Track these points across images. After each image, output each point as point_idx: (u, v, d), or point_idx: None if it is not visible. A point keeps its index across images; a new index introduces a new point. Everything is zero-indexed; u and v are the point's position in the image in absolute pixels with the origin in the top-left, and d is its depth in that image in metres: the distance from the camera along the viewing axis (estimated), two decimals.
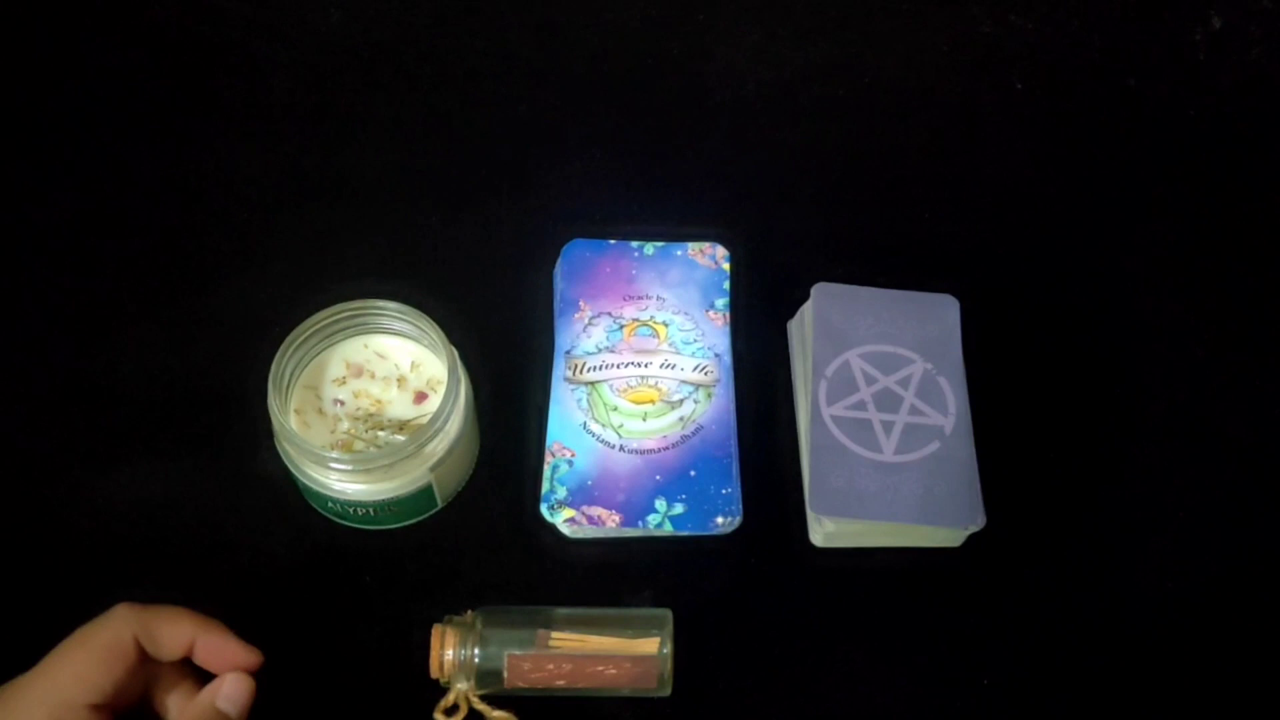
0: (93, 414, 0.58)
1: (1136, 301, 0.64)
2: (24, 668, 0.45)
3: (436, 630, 0.49)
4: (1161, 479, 0.59)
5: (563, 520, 0.54)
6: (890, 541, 0.55)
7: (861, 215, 0.67)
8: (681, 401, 0.57)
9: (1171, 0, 0.76)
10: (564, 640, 0.50)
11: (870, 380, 0.56)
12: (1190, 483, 0.59)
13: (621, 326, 0.59)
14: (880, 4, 0.75)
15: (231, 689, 0.44)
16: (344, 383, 0.55)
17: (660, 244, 0.62)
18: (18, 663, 0.51)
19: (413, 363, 0.56)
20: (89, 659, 0.41)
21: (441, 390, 0.53)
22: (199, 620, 0.44)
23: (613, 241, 0.62)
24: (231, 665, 0.45)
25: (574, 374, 0.57)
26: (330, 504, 0.53)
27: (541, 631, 0.50)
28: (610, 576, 0.54)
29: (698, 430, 0.56)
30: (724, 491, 0.54)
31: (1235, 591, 0.56)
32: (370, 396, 0.55)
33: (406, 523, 0.55)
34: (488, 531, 0.56)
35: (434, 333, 0.52)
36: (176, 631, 0.43)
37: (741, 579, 0.55)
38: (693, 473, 0.55)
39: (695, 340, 0.59)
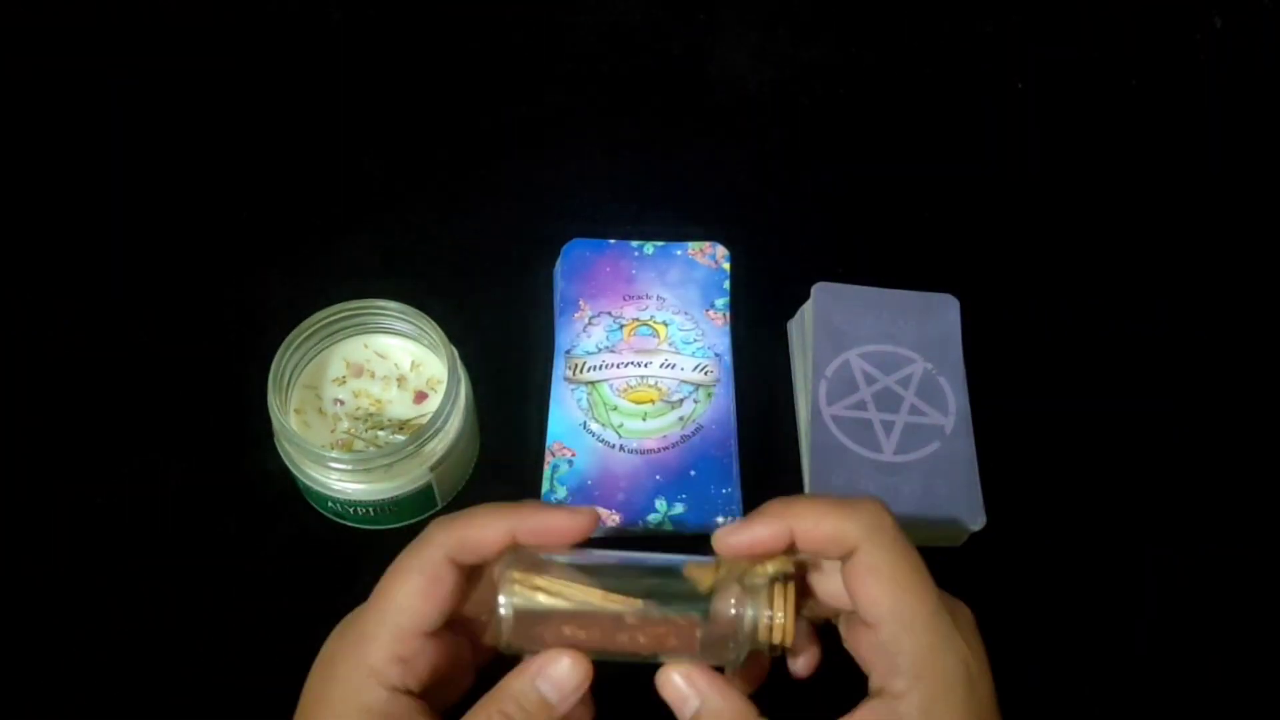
0: (93, 414, 0.58)
1: (1136, 301, 0.64)
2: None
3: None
4: (1162, 478, 0.59)
5: None
6: None
7: (861, 215, 0.67)
8: (681, 401, 0.57)
9: (1172, 0, 0.76)
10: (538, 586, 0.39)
11: (870, 380, 0.56)
12: (1191, 482, 0.59)
13: (621, 326, 0.59)
14: (880, 4, 0.75)
15: (560, 673, 0.38)
16: (344, 382, 0.55)
17: (660, 244, 0.62)
18: (17, 663, 0.52)
19: (413, 363, 0.56)
20: (411, 588, 0.38)
21: (441, 390, 0.53)
22: (510, 513, 0.39)
23: (613, 241, 0.62)
24: (562, 540, 0.39)
25: (574, 374, 0.57)
26: (330, 504, 0.53)
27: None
28: None
29: (698, 430, 0.56)
30: (724, 491, 0.54)
31: (1235, 592, 0.56)
32: (370, 396, 0.55)
33: (406, 523, 0.55)
34: None
35: (434, 333, 0.52)
36: (488, 534, 0.39)
37: None
38: (693, 473, 0.55)
39: (695, 340, 0.59)
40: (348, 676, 0.38)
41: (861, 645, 0.40)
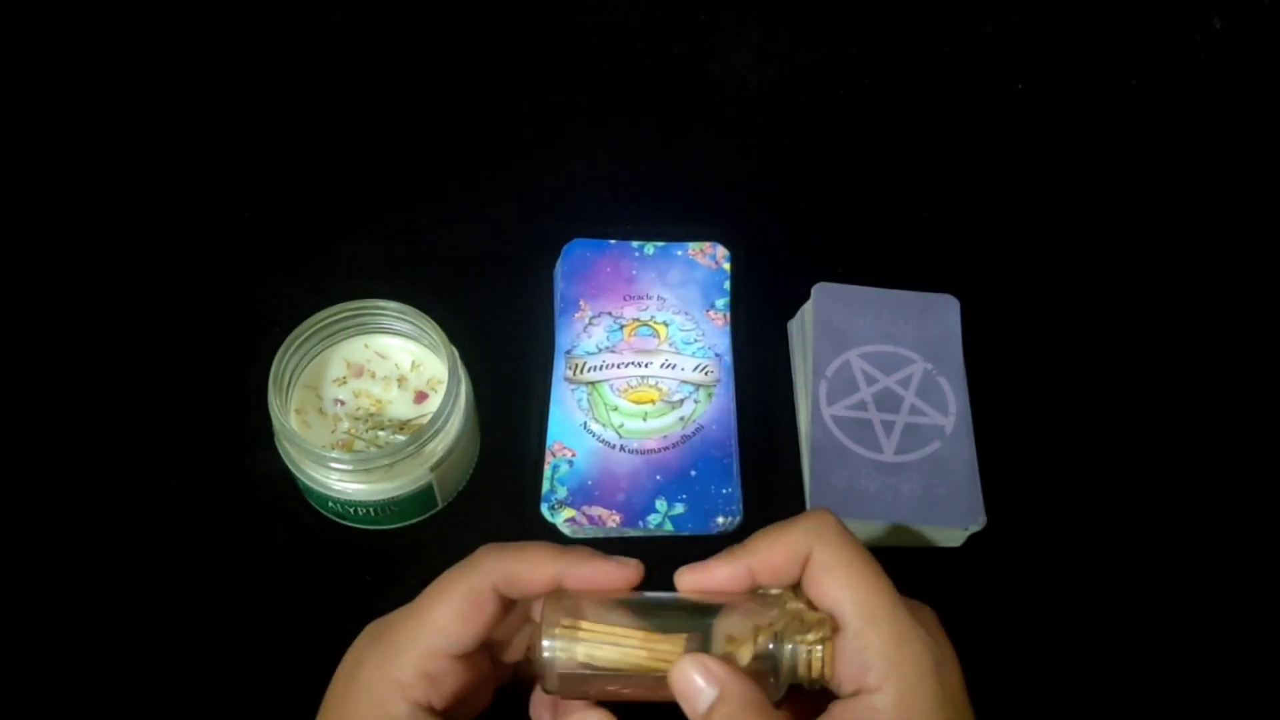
0: (93, 413, 0.58)
1: (1136, 301, 0.64)
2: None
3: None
4: (1162, 478, 0.59)
5: (563, 520, 0.54)
6: (890, 541, 0.55)
7: (861, 215, 0.67)
8: (682, 401, 0.57)
9: (1172, 0, 0.76)
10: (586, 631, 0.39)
11: (870, 380, 0.57)
12: (1191, 482, 0.59)
13: (622, 326, 0.59)
14: (880, 4, 0.75)
15: None
16: (344, 383, 0.55)
17: (660, 244, 0.62)
18: (17, 663, 0.52)
19: (413, 363, 0.56)
20: (451, 611, 0.39)
21: (441, 390, 0.53)
22: (560, 556, 0.40)
23: (613, 241, 0.62)
24: (608, 589, 0.40)
25: (574, 374, 0.57)
26: (330, 504, 0.53)
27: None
28: None
29: (698, 430, 0.56)
30: (724, 491, 0.54)
31: (1235, 592, 0.56)
32: (370, 396, 0.55)
33: (406, 523, 0.55)
34: (488, 532, 0.55)
35: (434, 333, 0.52)
36: (538, 574, 0.40)
37: None
38: (693, 473, 0.55)
39: (695, 340, 0.59)
40: (373, 686, 0.39)
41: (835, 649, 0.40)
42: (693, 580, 0.40)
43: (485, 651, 0.41)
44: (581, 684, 0.39)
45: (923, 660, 0.37)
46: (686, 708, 0.38)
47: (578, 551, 0.40)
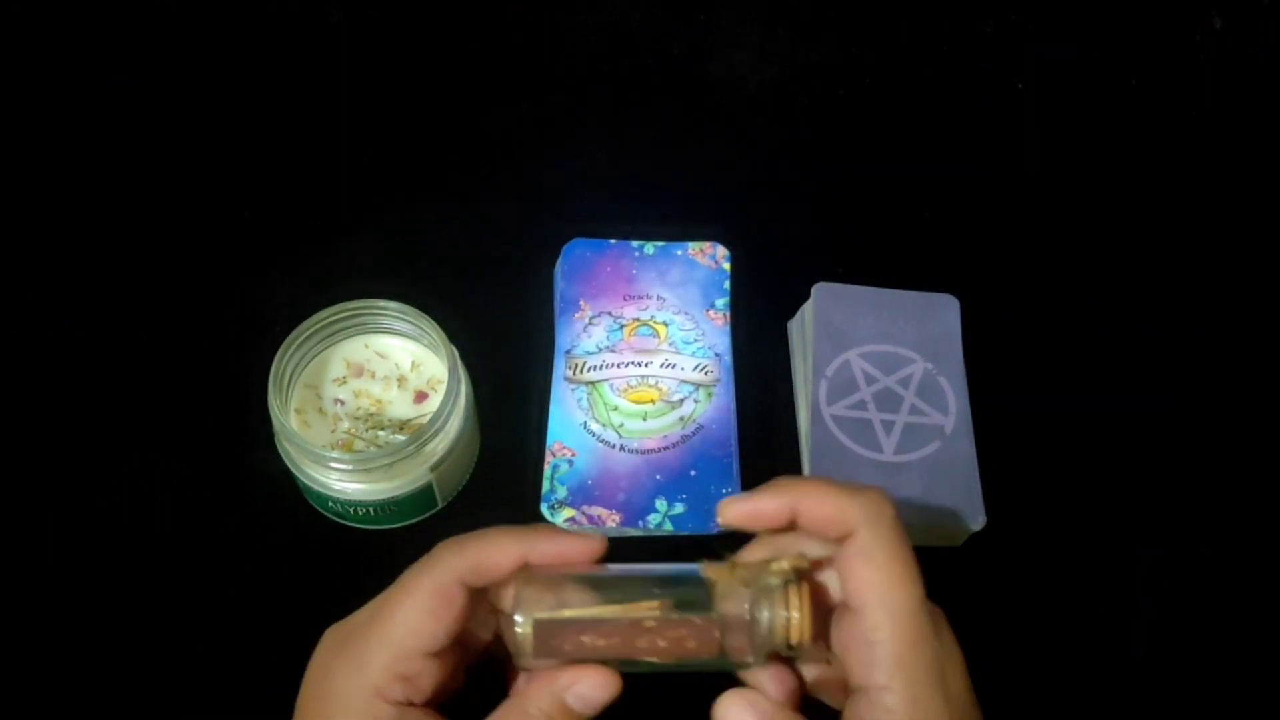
0: (93, 413, 0.58)
1: (1136, 301, 0.64)
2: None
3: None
4: (1162, 478, 0.59)
5: (563, 520, 0.54)
6: None
7: (861, 215, 0.67)
8: (682, 401, 0.57)
9: (1172, 0, 0.76)
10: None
11: (870, 380, 0.56)
12: (1191, 482, 0.59)
13: (622, 326, 0.59)
14: (880, 4, 0.75)
15: (590, 689, 0.38)
16: (344, 382, 0.55)
17: (660, 244, 0.62)
18: (18, 663, 0.52)
19: (413, 363, 0.56)
20: (420, 610, 0.38)
21: (441, 390, 0.53)
22: (521, 537, 0.39)
23: (613, 241, 0.62)
24: (572, 565, 0.40)
25: (574, 374, 0.57)
26: (330, 504, 0.53)
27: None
28: None
29: (698, 430, 0.56)
30: (724, 491, 0.54)
31: (1236, 592, 0.56)
32: (370, 396, 0.55)
33: (406, 523, 0.55)
34: None
35: (434, 333, 0.52)
36: (500, 558, 0.39)
37: None
38: (693, 473, 0.55)
39: (695, 340, 0.59)
40: (349, 694, 0.38)
41: (843, 636, 0.39)
42: (737, 511, 0.40)
43: (456, 641, 0.41)
44: (555, 642, 0.38)
45: (930, 666, 0.37)
46: None
47: (538, 529, 0.40)
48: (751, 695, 0.38)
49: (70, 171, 0.66)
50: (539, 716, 0.38)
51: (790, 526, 0.40)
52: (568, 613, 0.38)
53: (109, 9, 0.72)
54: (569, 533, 0.40)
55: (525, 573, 0.40)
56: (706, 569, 0.39)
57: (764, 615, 0.38)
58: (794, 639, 0.38)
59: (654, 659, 0.38)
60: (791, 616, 0.38)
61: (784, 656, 0.40)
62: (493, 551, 0.39)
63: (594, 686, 0.38)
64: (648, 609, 0.38)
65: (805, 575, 0.39)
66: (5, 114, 0.68)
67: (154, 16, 0.72)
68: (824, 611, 0.40)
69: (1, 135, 0.68)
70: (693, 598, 0.39)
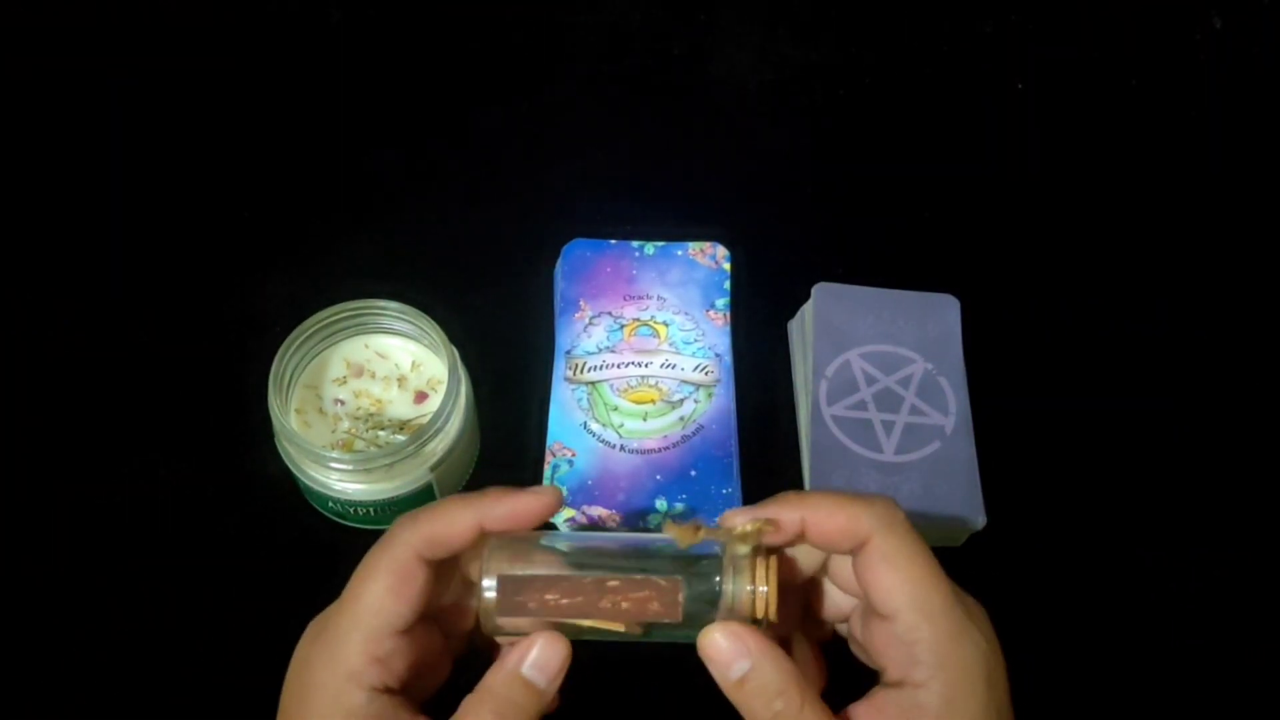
0: (93, 413, 0.58)
1: (1136, 301, 0.65)
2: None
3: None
4: (1162, 478, 0.59)
5: (563, 520, 0.54)
6: None
7: (861, 215, 0.67)
8: (682, 401, 0.57)
9: (1172, 1, 0.76)
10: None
11: (871, 380, 0.57)
12: (1191, 482, 0.59)
13: (622, 326, 0.59)
14: (880, 4, 0.75)
15: (543, 655, 0.38)
16: (344, 382, 0.55)
17: (660, 244, 0.62)
18: (17, 662, 0.52)
19: (413, 363, 0.56)
20: (381, 589, 0.38)
21: (441, 390, 0.53)
22: (473, 503, 0.39)
23: (613, 241, 0.62)
24: (530, 522, 0.39)
25: (574, 374, 0.57)
26: (330, 504, 0.53)
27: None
28: None
29: (698, 430, 0.56)
30: (724, 491, 0.54)
31: (1236, 591, 0.56)
32: (370, 396, 0.55)
33: None
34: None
35: (434, 333, 0.52)
36: (456, 527, 0.39)
37: None
38: (693, 473, 0.55)
39: (695, 340, 0.59)
40: (325, 683, 0.38)
41: (875, 639, 0.39)
42: (743, 521, 0.39)
43: (432, 624, 0.41)
44: (519, 599, 0.38)
45: (973, 663, 0.37)
46: (717, 675, 0.38)
47: (490, 493, 0.40)
48: (739, 630, 0.38)
49: (70, 171, 0.66)
50: (501, 696, 0.38)
51: (797, 540, 0.39)
52: (529, 569, 0.38)
53: (109, 9, 0.72)
54: (522, 490, 0.40)
55: (496, 541, 0.40)
56: (669, 528, 0.39)
57: (730, 588, 0.38)
58: (759, 613, 0.38)
59: (620, 624, 0.38)
60: (758, 591, 0.37)
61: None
62: (447, 522, 0.39)
63: (544, 651, 0.38)
64: (618, 560, 0.38)
65: (772, 552, 0.39)
66: (5, 114, 0.68)
67: (154, 16, 0.72)
68: (791, 586, 0.40)
69: (1, 135, 0.68)
70: (658, 565, 0.39)
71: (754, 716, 0.37)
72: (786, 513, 0.39)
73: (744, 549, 0.38)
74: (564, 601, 0.38)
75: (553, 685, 0.39)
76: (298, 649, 0.40)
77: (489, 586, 0.39)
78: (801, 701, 0.37)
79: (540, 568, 0.39)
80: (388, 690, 0.38)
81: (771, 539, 0.39)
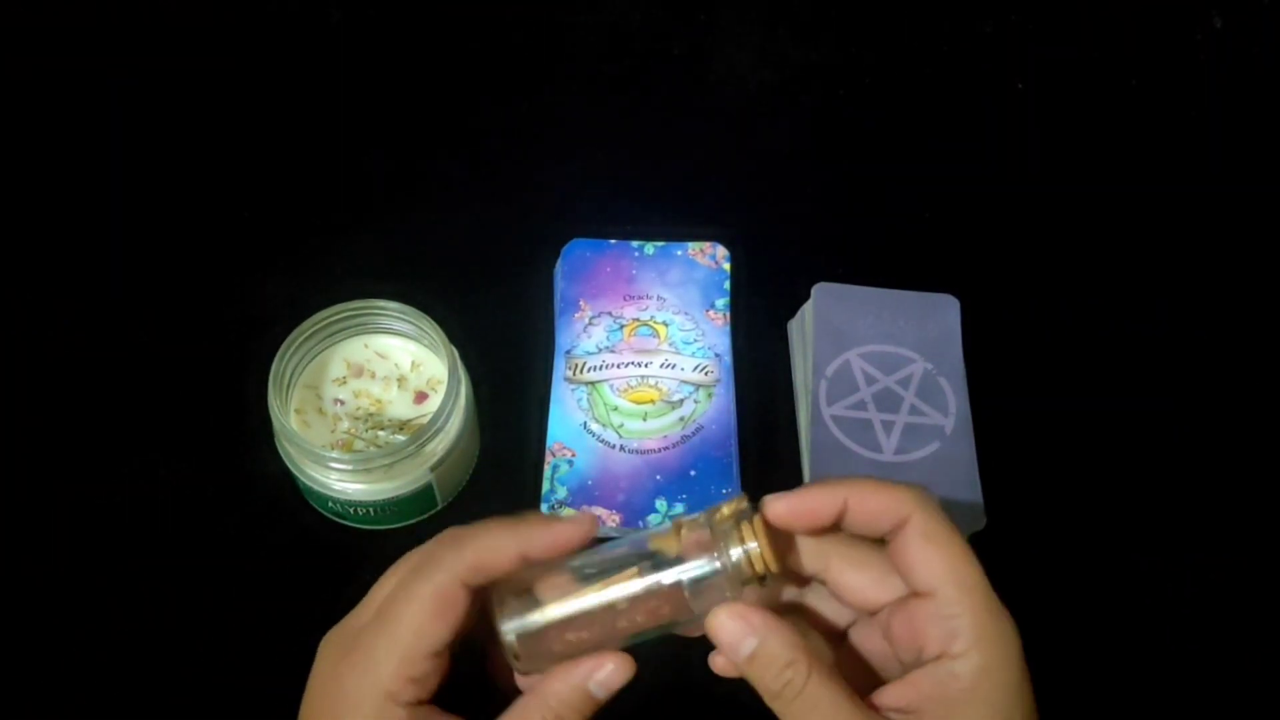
0: (93, 413, 0.58)
1: (1136, 301, 0.64)
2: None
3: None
4: (1162, 478, 0.59)
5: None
6: None
7: (861, 215, 0.67)
8: (682, 401, 0.57)
9: (1172, 0, 0.76)
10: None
11: (870, 380, 0.57)
12: (1191, 482, 0.59)
13: (622, 326, 0.59)
14: (880, 4, 0.75)
15: (611, 677, 0.39)
16: (344, 382, 0.55)
17: (660, 244, 0.62)
18: (18, 663, 0.52)
19: (413, 363, 0.56)
20: (424, 614, 0.39)
21: (441, 390, 0.53)
22: (518, 532, 0.40)
23: (613, 241, 0.62)
24: (569, 550, 0.40)
25: (574, 374, 0.57)
26: (330, 504, 0.53)
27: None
28: None
29: (698, 430, 0.56)
30: (724, 492, 0.54)
31: (1236, 591, 0.56)
32: (370, 396, 0.55)
33: (406, 523, 0.55)
34: None
35: (434, 333, 0.52)
36: (500, 557, 0.39)
37: None
38: (693, 473, 0.55)
39: (695, 340, 0.59)
40: (361, 701, 0.39)
41: (913, 621, 0.39)
42: (784, 507, 0.39)
43: (450, 652, 0.41)
44: (543, 647, 0.39)
45: (1011, 638, 0.38)
46: (729, 655, 0.39)
47: (532, 521, 0.40)
48: (743, 609, 0.38)
49: (70, 171, 0.66)
50: (560, 707, 0.39)
51: (834, 525, 0.40)
52: (544, 616, 0.39)
53: (109, 9, 0.72)
54: (561, 519, 0.40)
55: (502, 581, 0.40)
56: (654, 540, 0.39)
57: (728, 557, 0.38)
58: (760, 569, 0.38)
59: (639, 633, 0.39)
60: (750, 549, 0.38)
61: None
62: (493, 550, 0.40)
63: (613, 673, 0.39)
64: (620, 587, 0.39)
65: (752, 515, 0.39)
66: (5, 114, 0.68)
67: (154, 16, 0.72)
68: (781, 538, 0.41)
69: (1, 135, 0.68)
70: (660, 562, 0.39)
71: (766, 689, 0.38)
72: (828, 495, 0.39)
73: (729, 522, 0.39)
74: (585, 635, 0.39)
75: (608, 699, 0.40)
76: (321, 661, 0.41)
77: (508, 632, 0.39)
78: (809, 670, 0.37)
79: (545, 588, 0.40)
80: (420, 703, 0.39)
81: (815, 520, 0.40)
